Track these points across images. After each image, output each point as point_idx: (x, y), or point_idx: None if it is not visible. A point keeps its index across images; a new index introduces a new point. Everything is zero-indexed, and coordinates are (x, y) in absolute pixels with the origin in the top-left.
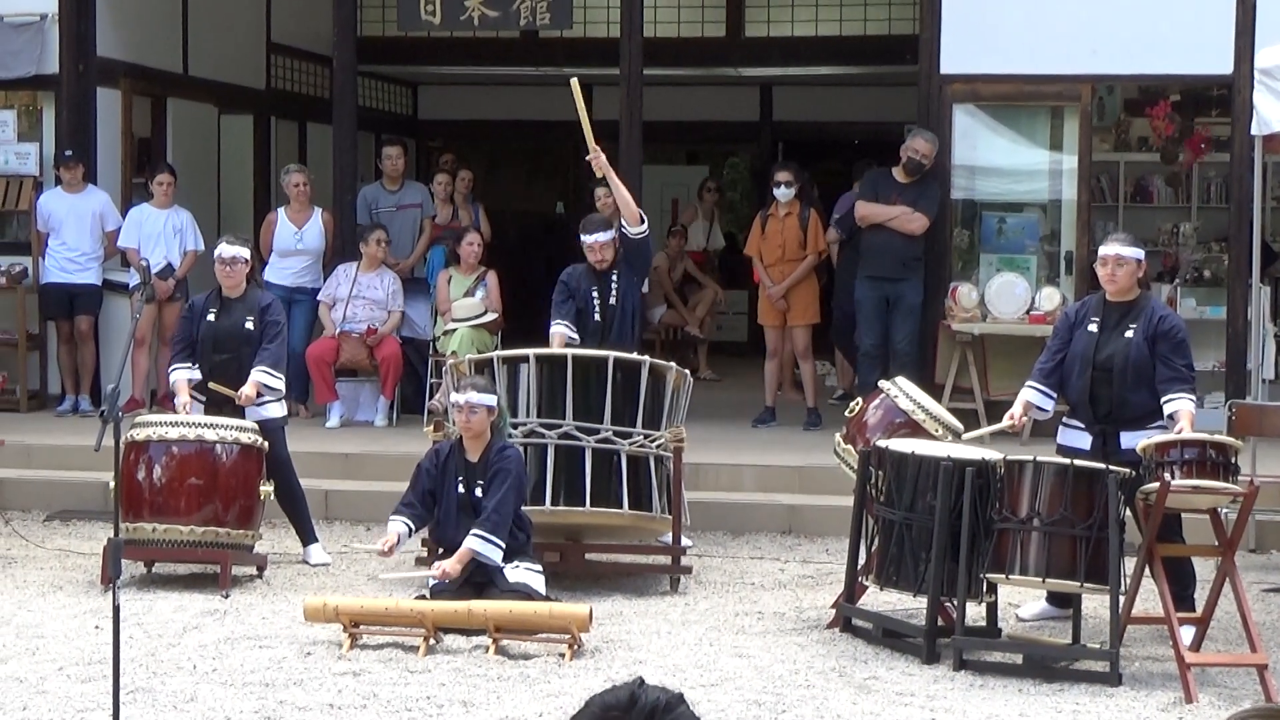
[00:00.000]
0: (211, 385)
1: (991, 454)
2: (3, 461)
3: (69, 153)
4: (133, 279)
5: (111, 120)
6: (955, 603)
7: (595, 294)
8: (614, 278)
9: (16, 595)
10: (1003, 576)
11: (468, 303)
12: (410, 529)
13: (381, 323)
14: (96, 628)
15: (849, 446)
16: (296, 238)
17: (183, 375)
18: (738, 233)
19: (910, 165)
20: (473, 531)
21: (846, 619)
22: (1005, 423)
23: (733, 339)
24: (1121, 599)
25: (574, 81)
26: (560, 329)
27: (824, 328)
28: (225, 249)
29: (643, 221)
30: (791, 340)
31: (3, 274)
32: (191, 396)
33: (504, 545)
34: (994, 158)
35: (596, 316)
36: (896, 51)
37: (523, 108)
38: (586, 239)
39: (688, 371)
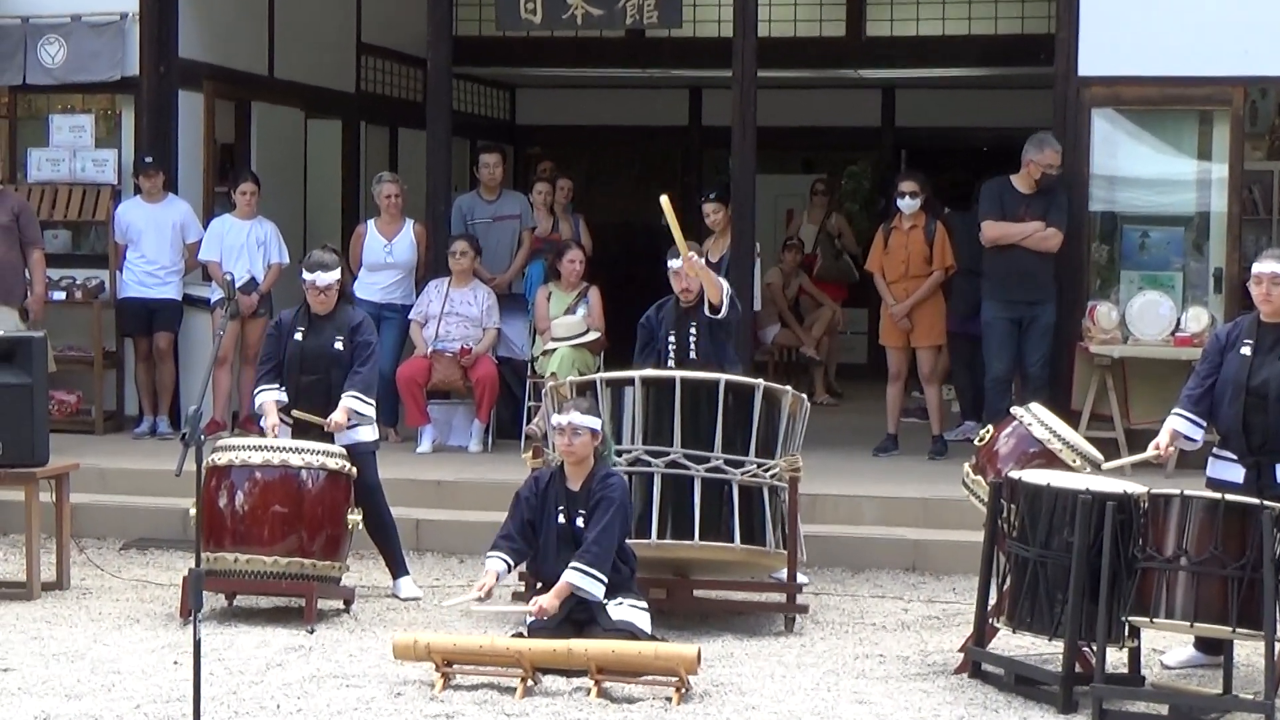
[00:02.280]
0: (296, 413)
1: (1134, 487)
2: (77, 486)
3: (149, 159)
4: (214, 294)
5: (193, 125)
6: (1094, 648)
7: (673, 339)
8: (700, 320)
9: (91, 628)
10: (1146, 620)
11: (568, 321)
12: (509, 565)
13: (476, 341)
14: (175, 663)
15: (979, 477)
16: (386, 251)
17: (270, 396)
18: (857, 248)
19: (1045, 181)
20: (571, 564)
21: (975, 664)
22: (1150, 453)
23: (852, 361)
24: (1277, 646)
25: (664, 200)
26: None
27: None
28: (321, 277)
29: (724, 299)
30: (916, 362)
31: (78, 288)
32: (280, 419)
33: (606, 580)
34: (1136, 167)
35: (670, 363)
36: (1030, 52)
37: (627, 112)
38: (674, 264)
39: (804, 396)
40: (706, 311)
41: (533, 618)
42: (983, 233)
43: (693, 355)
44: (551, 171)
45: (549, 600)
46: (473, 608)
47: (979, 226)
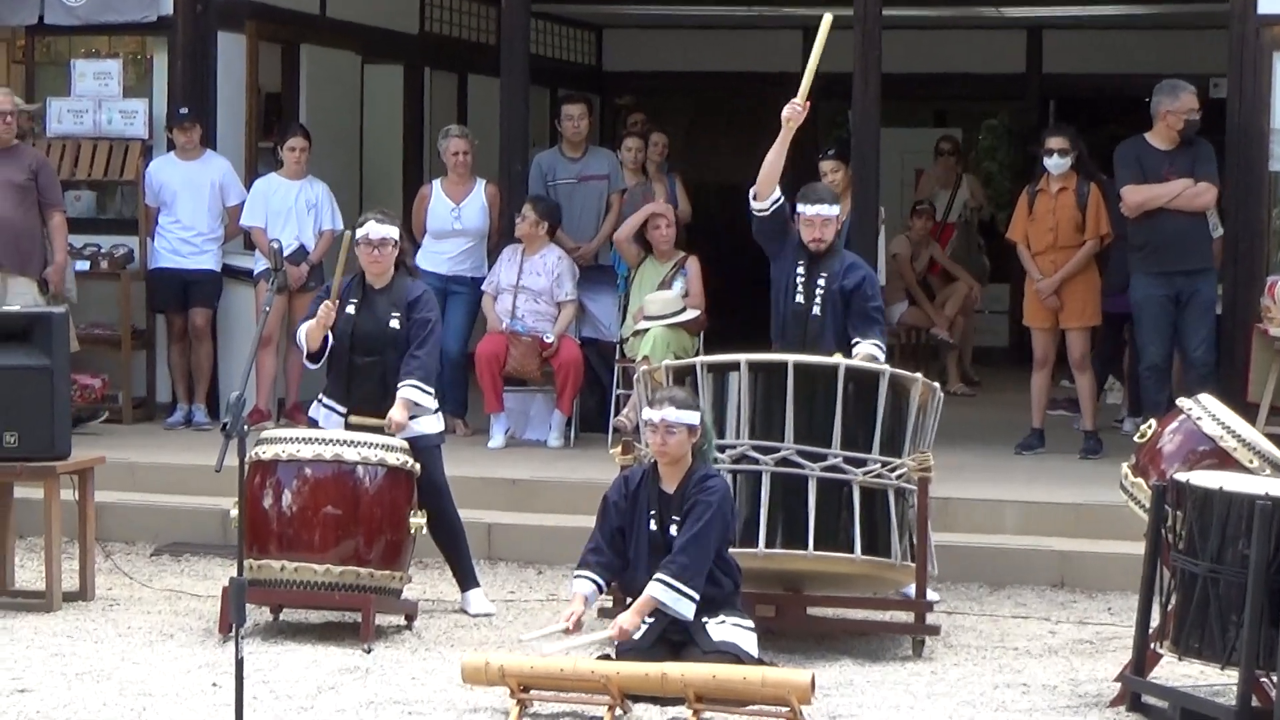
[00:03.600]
0: (353, 419)
1: None
2: (103, 484)
3: (184, 111)
4: (259, 264)
5: (235, 72)
6: (1275, 679)
7: (800, 280)
8: (831, 268)
9: (119, 645)
10: None
11: (663, 296)
12: (600, 586)
13: (552, 322)
14: (214, 686)
15: (1139, 480)
16: (454, 215)
17: (311, 323)
18: (998, 213)
19: (1186, 131)
20: (656, 576)
21: (1135, 695)
22: None
23: (991, 344)
24: None
25: (827, 18)
26: None
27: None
28: (374, 228)
29: (758, 199)
30: (1067, 346)
31: (104, 257)
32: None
33: (696, 596)
34: None
35: (799, 298)
36: None
37: (731, 56)
38: (805, 210)
39: (936, 384)
40: (752, 203)
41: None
42: (1124, 201)
43: (816, 312)
44: (643, 125)
45: (629, 618)
46: (560, 643)
47: (1119, 197)
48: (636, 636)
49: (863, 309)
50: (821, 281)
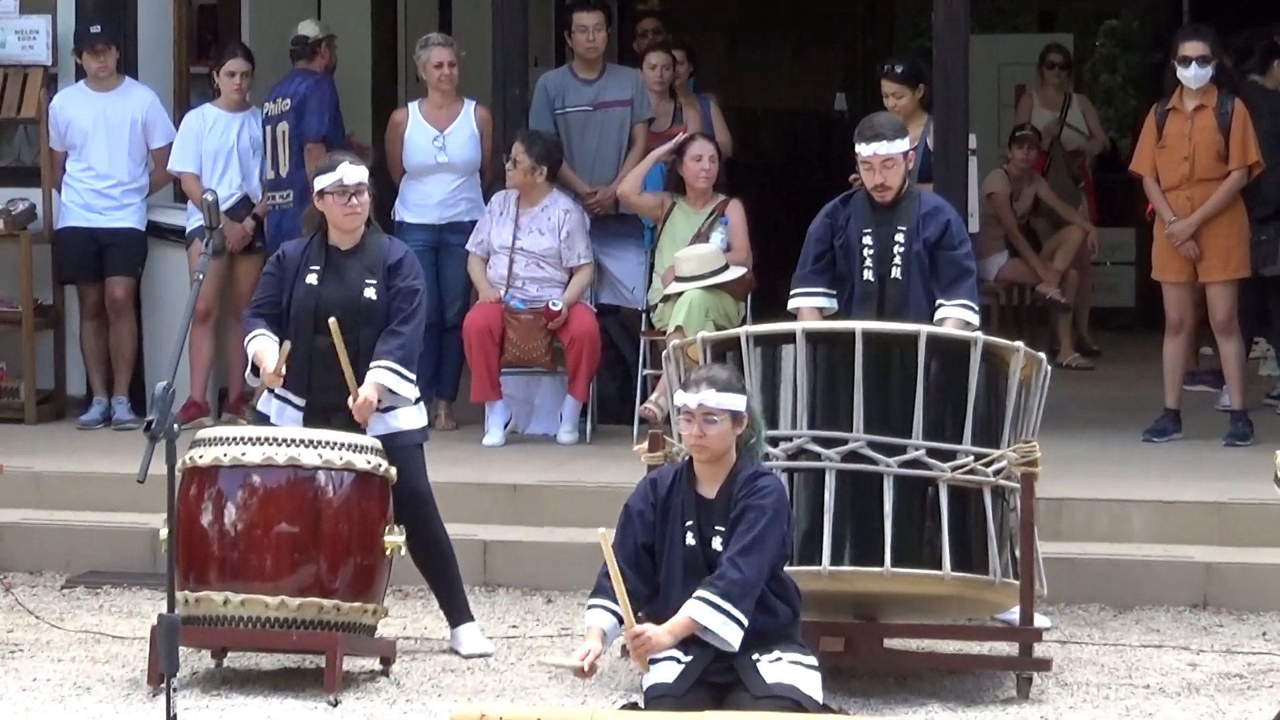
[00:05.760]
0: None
1: None
2: (1, 498)
3: (97, 29)
4: (192, 221)
5: None
6: None
7: (869, 240)
8: (907, 220)
9: (22, 700)
10: None
11: (700, 251)
12: (621, 619)
13: (561, 289)
14: None
15: None
16: (438, 145)
17: (268, 343)
18: (1120, 138)
19: None
20: (697, 594)
21: None
22: None
23: (1113, 304)
24: None
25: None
26: (808, 306)
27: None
28: (348, 170)
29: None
30: (1208, 305)
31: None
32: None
33: (745, 621)
34: None
35: (867, 274)
36: None
37: None
38: (863, 149)
39: (1043, 356)
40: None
41: (649, 680)
42: None
43: (896, 274)
44: (662, 35)
45: (659, 633)
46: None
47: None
48: (670, 680)
49: (950, 261)
50: (900, 238)
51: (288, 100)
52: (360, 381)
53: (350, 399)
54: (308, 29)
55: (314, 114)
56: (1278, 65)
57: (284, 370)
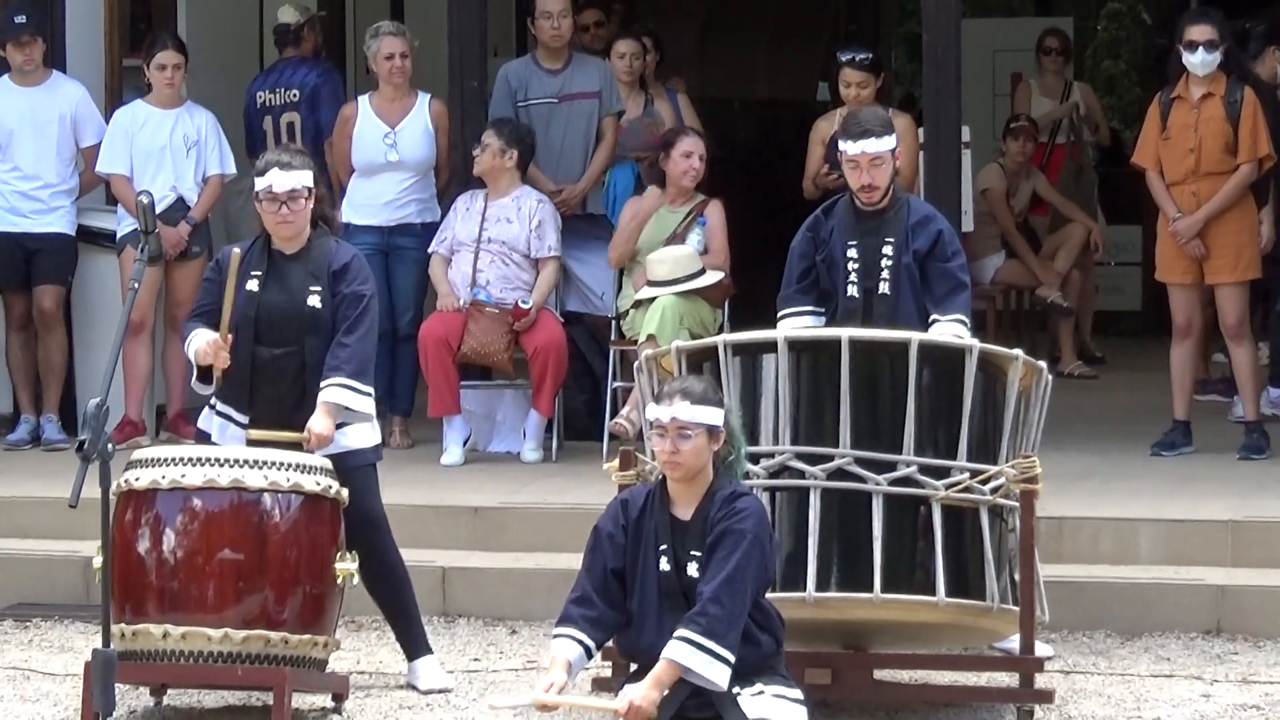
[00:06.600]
0: (253, 434)
1: None
2: None
3: (21, 19)
4: (124, 225)
5: None
6: None
7: (854, 253)
8: (895, 230)
9: None
10: None
11: (674, 254)
12: (589, 649)
13: (527, 291)
14: None
15: None
16: (389, 143)
17: (207, 337)
18: (1124, 129)
19: None
20: (678, 635)
21: None
22: None
23: (1118, 307)
24: None
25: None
26: (796, 327)
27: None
28: (278, 178)
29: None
30: (1217, 308)
31: None
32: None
33: (731, 658)
34: None
35: (851, 289)
36: None
37: None
38: (851, 148)
39: (1043, 364)
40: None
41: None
42: None
43: (884, 289)
44: (605, 27)
45: (644, 692)
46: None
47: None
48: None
49: (943, 274)
50: (888, 250)
51: (295, 91)
52: (307, 411)
53: (305, 439)
54: (287, 15)
55: (329, 107)
56: (1271, 53)
57: (229, 338)
